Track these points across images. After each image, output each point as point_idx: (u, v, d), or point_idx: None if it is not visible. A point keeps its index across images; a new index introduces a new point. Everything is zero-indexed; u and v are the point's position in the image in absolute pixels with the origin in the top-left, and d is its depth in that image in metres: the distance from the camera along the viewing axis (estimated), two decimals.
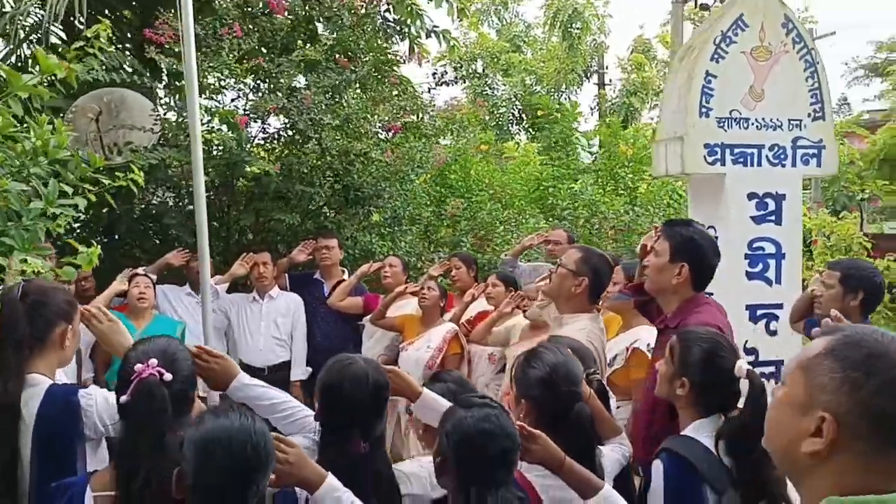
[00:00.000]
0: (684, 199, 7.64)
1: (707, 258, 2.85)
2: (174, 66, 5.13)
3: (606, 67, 21.40)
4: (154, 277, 5.12)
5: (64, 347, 2.34)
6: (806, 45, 4.67)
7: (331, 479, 1.82)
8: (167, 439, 1.81)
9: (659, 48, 22.59)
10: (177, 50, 5.30)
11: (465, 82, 16.85)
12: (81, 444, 2.19)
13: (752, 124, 4.62)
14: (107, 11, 6.20)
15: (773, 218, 4.65)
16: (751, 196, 4.63)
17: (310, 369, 5.38)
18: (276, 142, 5.92)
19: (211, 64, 5.23)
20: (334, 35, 6.17)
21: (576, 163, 8.11)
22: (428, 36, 7.31)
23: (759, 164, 4.64)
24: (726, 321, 2.75)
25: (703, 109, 4.55)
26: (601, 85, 21.60)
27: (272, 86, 5.54)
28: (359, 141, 5.69)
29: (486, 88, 17.88)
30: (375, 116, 6.05)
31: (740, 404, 2.22)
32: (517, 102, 17.53)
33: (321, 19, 6.22)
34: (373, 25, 6.46)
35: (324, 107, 5.69)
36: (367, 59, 6.39)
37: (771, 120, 4.64)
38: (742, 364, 2.16)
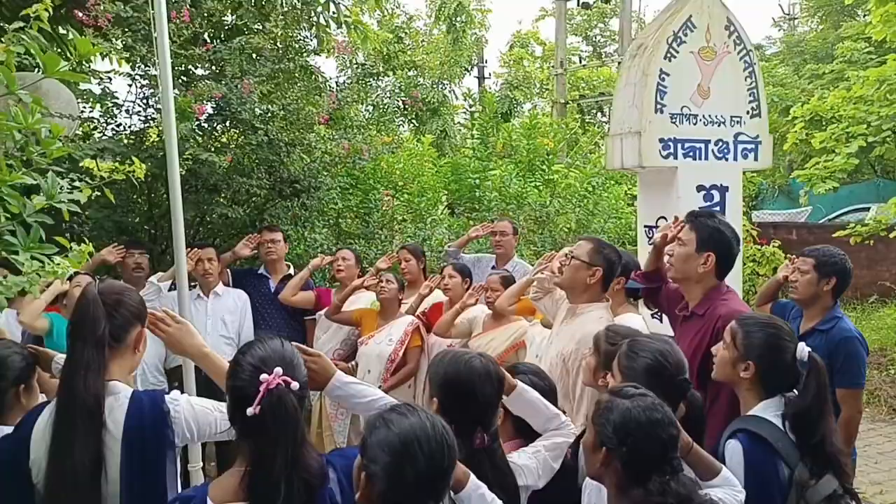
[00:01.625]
0: (598, 190, 7.97)
1: (732, 248, 3.03)
2: (110, 51, 4.77)
3: (486, 61, 21.86)
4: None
5: (137, 351, 2.17)
6: (745, 46, 5.00)
7: (473, 477, 1.80)
8: (304, 449, 1.73)
9: (535, 44, 23.30)
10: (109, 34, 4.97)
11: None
12: (171, 454, 2.05)
13: (700, 120, 4.90)
14: None
15: (718, 209, 4.94)
16: (699, 188, 4.92)
17: None
18: (214, 131, 5.63)
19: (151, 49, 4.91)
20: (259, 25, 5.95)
21: (488, 154, 8.24)
22: (339, 26, 7.08)
23: (706, 157, 4.93)
24: (749, 310, 2.93)
25: (658, 106, 4.78)
26: (481, 78, 22.02)
27: (216, 72, 5.28)
28: (303, 132, 5.53)
29: (370, 80, 17.73)
30: (315, 107, 5.89)
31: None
32: (402, 94, 17.50)
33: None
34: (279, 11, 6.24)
35: (259, 95, 5.50)
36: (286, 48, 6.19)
37: (716, 116, 4.94)
38: (804, 347, 2.31)
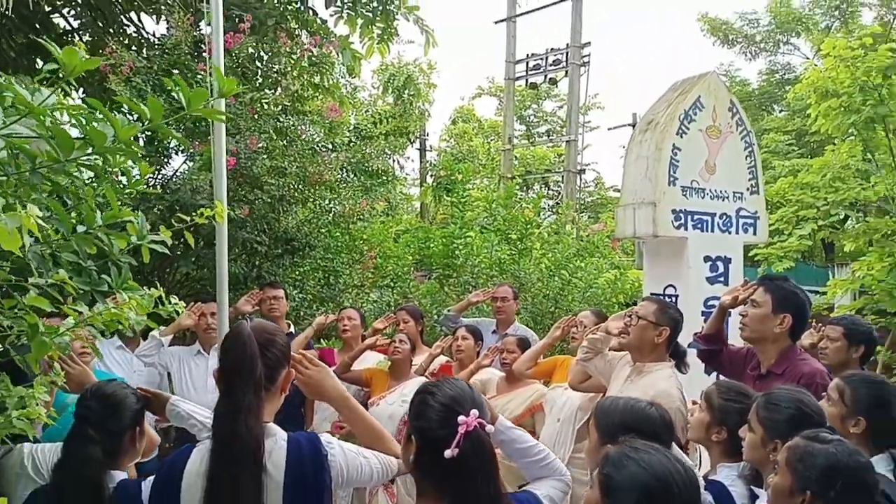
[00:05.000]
0: (575, 260, 8.15)
1: (806, 311, 3.16)
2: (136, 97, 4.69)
3: (428, 134, 22.27)
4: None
5: (282, 394, 2.08)
6: (746, 127, 5.32)
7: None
8: (501, 487, 1.71)
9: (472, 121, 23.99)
10: (134, 81, 4.88)
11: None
12: (328, 498, 1.95)
13: (707, 194, 5.15)
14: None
15: (722, 279, 5.16)
16: (706, 258, 5.12)
17: None
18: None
19: None
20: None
21: (466, 222, 8.37)
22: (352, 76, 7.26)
23: (713, 230, 5.16)
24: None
25: (671, 178, 5.00)
26: (423, 151, 22.39)
27: (230, 128, 5.23)
28: (312, 189, 5.51)
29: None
30: (317, 166, 5.89)
31: None
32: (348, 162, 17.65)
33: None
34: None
35: (267, 149, 5.48)
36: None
37: (720, 191, 5.20)
38: None
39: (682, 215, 5.02)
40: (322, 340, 6.82)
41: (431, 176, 21.26)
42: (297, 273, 6.14)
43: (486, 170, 19.82)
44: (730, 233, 5.23)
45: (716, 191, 5.18)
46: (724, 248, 5.19)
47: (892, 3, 18.52)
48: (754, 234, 5.36)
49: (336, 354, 5.29)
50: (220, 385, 1.98)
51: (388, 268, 8.76)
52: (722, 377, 3.70)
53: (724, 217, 5.21)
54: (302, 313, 6.48)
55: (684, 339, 3.95)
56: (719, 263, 5.16)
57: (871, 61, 8.84)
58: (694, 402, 2.84)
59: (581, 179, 19.45)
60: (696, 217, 5.08)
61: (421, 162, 21.72)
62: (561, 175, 18.82)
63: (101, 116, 2.18)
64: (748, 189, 5.32)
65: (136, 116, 2.45)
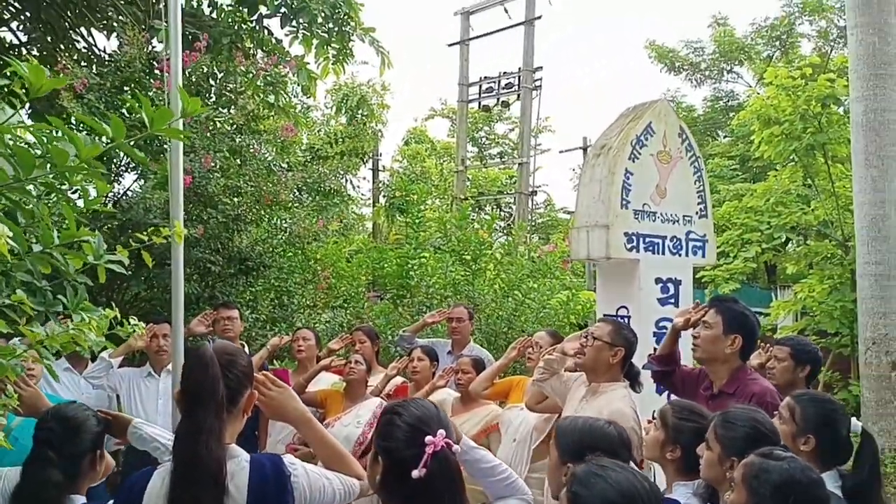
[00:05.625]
0: (527, 281, 8.22)
1: (756, 331, 3.26)
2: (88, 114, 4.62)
3: (381, 154, 22.32)
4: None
5: (245, 415, 2.06)
6: (695, 153, 5.48)
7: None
8: None
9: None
10: (87, 98, 4.81)
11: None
12: None
13: (658, 217, 5.27)
14: None
15: (672, 301, 5.27)
16: (657, 280, 5.23)
17: None
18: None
19: None
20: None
21: (419, 243, 8.39)
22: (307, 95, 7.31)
23: (663, 252, 5.28)
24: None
25: (624, 202, 5.11)
26: (375, 171, 22.41)
27: (187, 146, 5.17)
28: (267, 209, 5.48)
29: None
30: (272, 185, 5.86)
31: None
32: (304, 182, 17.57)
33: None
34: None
35: (222, 168, 5.45)
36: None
37: (671, 215, 5.33)
38: (857, 421, 2.52)
39: (634, 238, 5.13)
40: (275, 361, 6.74)
41: (384, 196, 21.26)
42: (249, 293, 6.07)
43: (439, 190, 19.93)
44: (680, 255, 5.36)
45: (666, 214, 5.31)
46: (675, 269, 5.31)
47: (830, 34, 19.29)
48: (703, 256, 5.50)
49: (290, 375, 5.24)
50: (181, 406, 1.96)
51: (341, 288, 8.74)
52: (674, 396, 3.79)
53: (675, 240, 5.34)
54: (254, 334, 6.41)
55: (637, 359, 4.04)
56: (670, 285, 5.28)
57: (812, 91, 9.20)
58: (649, 421, 2.90)
59: (532, 201, 19.67)
60: (647, 240, 5.19)
61: (374, 182, 21.74)
62: (513, 196, 19.01)
63: (60, 134, 2.15)
64: (697, 213, 5.46)
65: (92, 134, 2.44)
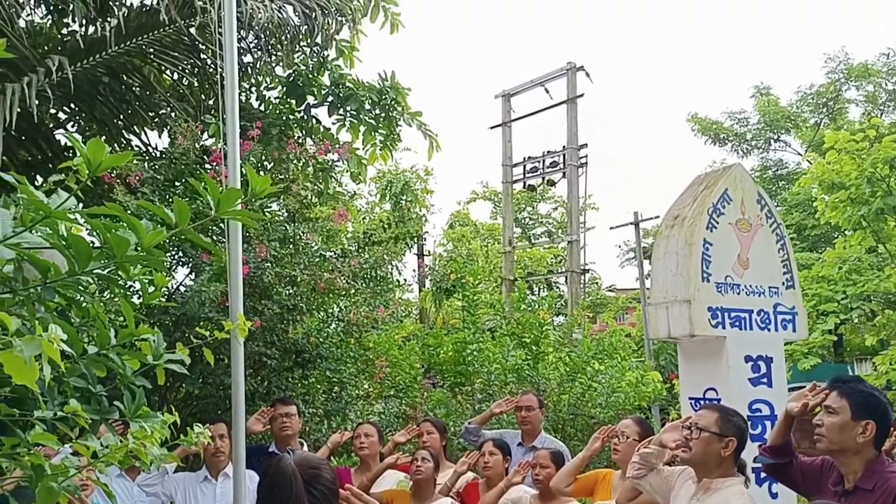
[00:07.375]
0: (593, 363, 7.81)
1: (890, 415, 2.85)
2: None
3: (425, 239, 22.28)
4: None
5: None
6: (776, 220, 5.13)
7: None
8: None
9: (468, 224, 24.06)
10: (140, 192, 4.72)
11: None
12: None
13: (742, 290, 4.89)
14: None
15: (765, 380, 4.83)
16: (747, 359, 4.81)
17: None
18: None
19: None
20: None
21: (477, 328, 8.08)
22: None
23: (751, 327, 4.87)
24: None
25: (705, 275, 4.76)
26: (421, 255, 22.32)
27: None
28: (323, 298, 5.25)
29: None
30: (328, 273, 5.66)
31: None
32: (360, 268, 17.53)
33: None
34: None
35: (276, 258, 5.27)
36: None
37: (756, 286, 4.94)
38: None
39: (718, 313, 4.74)
40: (332, 458, 6.39)
41: (430, 280, 21.10)
42: (304, 386, 5.79)
43: (485, 273, 19.70)
44: (769, 330, 4.95)
45: (751, 286, 4.92)
46: (765, 346, 4.88)
47: (879, 99, 18.98)
48: (794, 330, 5.07)
49: (353, 475, 4.89)
50: None
51: (396, 377, 8.41)
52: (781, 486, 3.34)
53: (762, 313, 4.94)
54: (308, 429, 6.10)
55: None
56: (761, 363, 4.85)
57: (878, 153, 8.84)
58: None
59: (584, 279, 19.30)
60: (733, 314, 4.80)
61: (419, 266, 21.61)
62: (563, 276, 18.66)
63: (121, 223, 1.94)
64: (783, 283, 5.07)
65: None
